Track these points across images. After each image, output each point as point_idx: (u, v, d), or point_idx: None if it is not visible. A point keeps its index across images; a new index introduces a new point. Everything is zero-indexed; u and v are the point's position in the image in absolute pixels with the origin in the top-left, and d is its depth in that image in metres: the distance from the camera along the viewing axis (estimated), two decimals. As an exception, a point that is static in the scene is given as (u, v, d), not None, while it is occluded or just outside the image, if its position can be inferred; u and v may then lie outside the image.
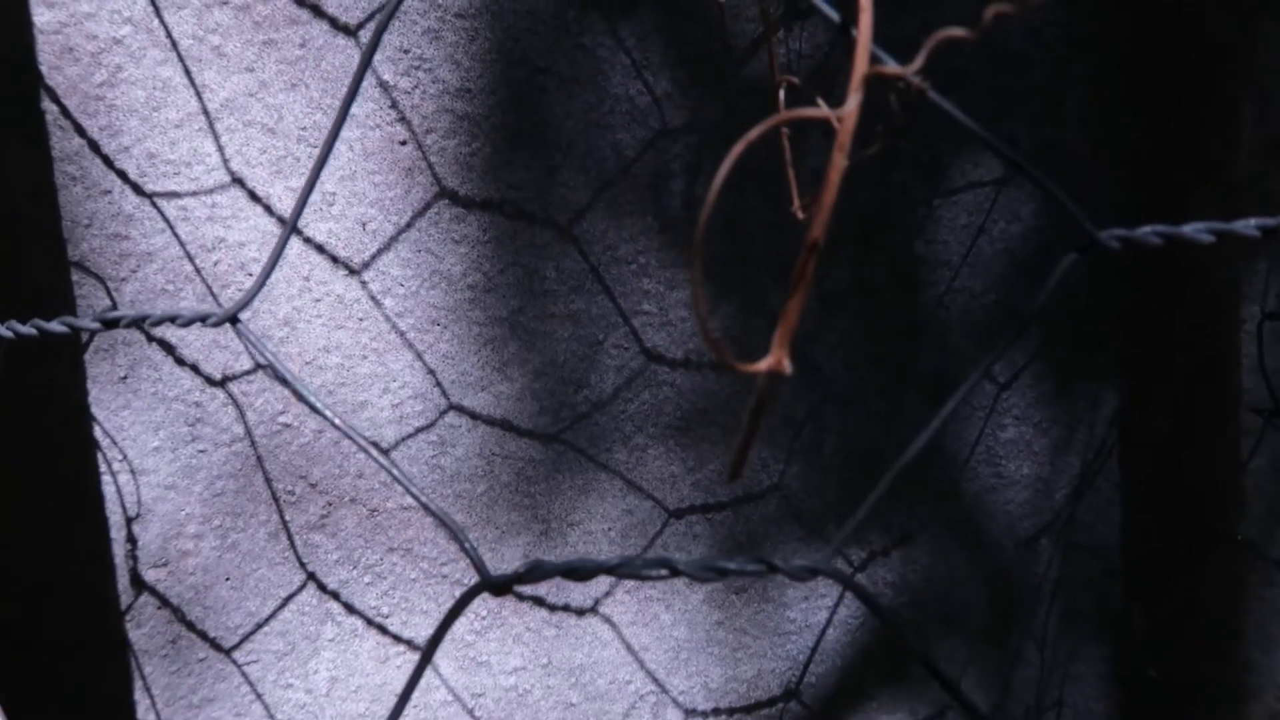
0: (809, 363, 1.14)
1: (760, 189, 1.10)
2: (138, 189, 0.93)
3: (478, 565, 0.36)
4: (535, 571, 0.35)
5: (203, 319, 0.37)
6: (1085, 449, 1.26)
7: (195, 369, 0.96)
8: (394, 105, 0.98)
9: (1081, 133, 1.22)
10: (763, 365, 0.33)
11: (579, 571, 0.35)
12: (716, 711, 1.17)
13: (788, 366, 0.33)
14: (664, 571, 0.35)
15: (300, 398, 0.38)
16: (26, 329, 0.41)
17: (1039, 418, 1.24)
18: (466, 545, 0.36)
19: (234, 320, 0.37)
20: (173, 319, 0.37)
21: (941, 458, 1.19)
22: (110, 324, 0.38)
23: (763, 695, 1.18)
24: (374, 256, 0.99)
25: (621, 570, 0.35)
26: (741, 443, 0.37)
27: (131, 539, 0.98)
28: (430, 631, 1.06)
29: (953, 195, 1.16)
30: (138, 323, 0.38)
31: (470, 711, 1.08)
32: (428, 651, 0.36)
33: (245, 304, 0.37)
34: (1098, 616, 1.29)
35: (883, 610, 0.35)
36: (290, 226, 0.36)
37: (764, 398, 0.34)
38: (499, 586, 0.35)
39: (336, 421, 0.36)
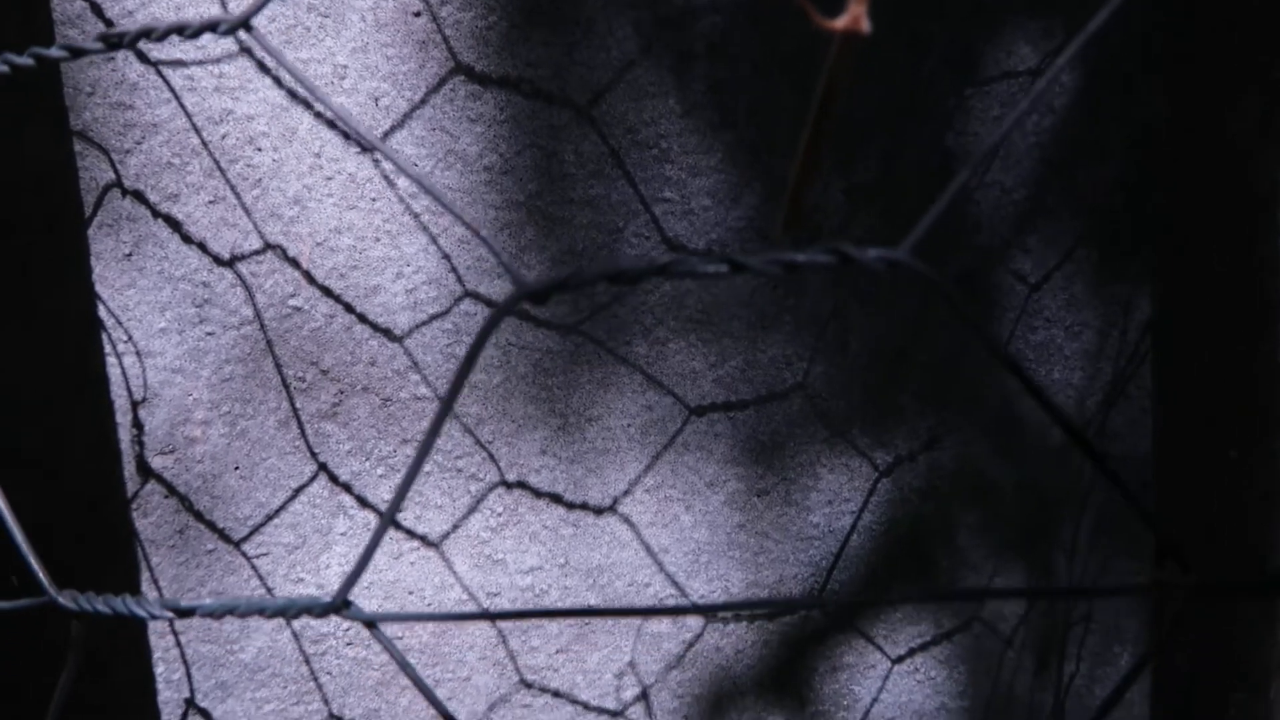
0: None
1: (787, 78, 1.06)
2: (142, 56, 0.90)
3: (513, 274, 0.32)
4: (576, 277, 0.32)
5: (212, 26, 0.34)
6: (1117, 355, 1.23)
7: (203, 247, 0.93)
8: (407, -26, 0.95)
9: (1119, 29, 1.18)
10: (839, 22, 0.29)
11: (625, 275, 0.32)
12: (737, 617, 1.14)
13: (866, 25, 0.29)
14: (724, 268, 0.31)
15: (322, 100, 0.34)
16: (24, 59, 0.37)
17: (1070, 321, 1.20)
18: (501, 257, 0.33)
19: (247, 26, 0.34)
20: (180, 30, 0.34)
21: (969, 359, 1.16)
22: (113, 44, 0.35)
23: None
24: (387, 134, 0.96)
25: (674, 269, 0.31)
26: (807, 149, 0.34)
27: (138, 424, 0.95)
28: (445, 529, 1.04)
29: (985, 86, 1.12)
30: (144, 35, 0.34)
31: (486, 611, 1.06)
32: (456, 383, 0.33)
33: (258, 9, 0.34)
34: (1129, 528, 1.26)
35: (954, 298, 0.31)
36: (388, 518, 0.32)
37: (837, 74, 0.30)
38: (538, 294, 0.32)
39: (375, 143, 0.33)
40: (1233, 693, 1.09)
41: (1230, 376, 1.18)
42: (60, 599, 0.41)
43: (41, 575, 0.42)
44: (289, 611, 0.38)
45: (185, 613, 0.39)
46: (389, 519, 0.34)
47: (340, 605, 0.37)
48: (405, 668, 0.37)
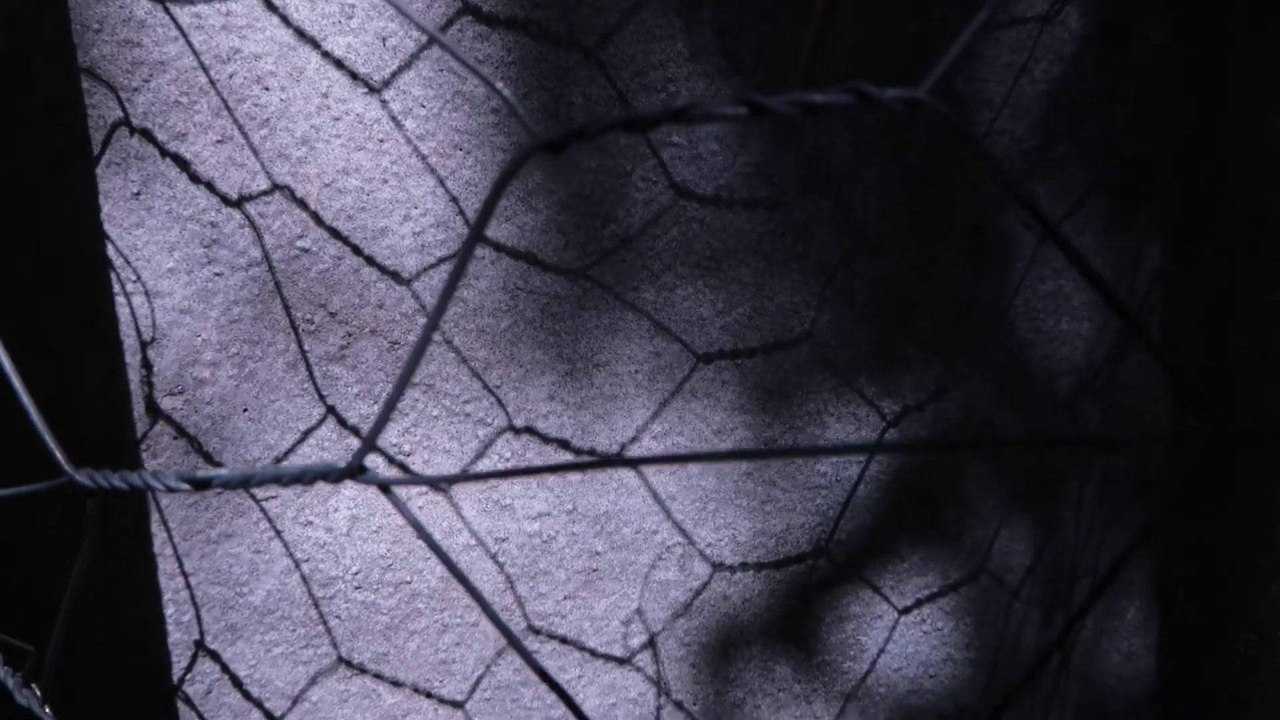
0: (843, 205, 1.10)
1: (795, 23, 1.05)
2: (150, -7, 0.90)
3: (528, 126, 0.32)
4: (591, 127, 0.32)
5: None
6: (1128, 305, 1.22)
7: (210, 187, 0.93)
8: (415, -87, 0.94)
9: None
10: None
11: (640, 122, 0.32)
12: (744, 566, 1.14)
13: None
14: (743, 110, 0.31)
15: None
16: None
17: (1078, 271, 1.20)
18: (518, 111, 0.33)
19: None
20: None
21: (977, 308, 1.15)
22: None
23: (791, 551, 1.16)
24: (395, 74, 0.96)
25: (690, 114, 0.31)
26: (823, 11, 0.34)
27: (146, 364, 0.95)
28: (453, 470, 1.04)
29: (995, 31, 1.11)
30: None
31: (493, 556, 1.06)
32: (478, 227, 0.33)
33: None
34: (1136, 482, 1.26)
35: (973, 139, 0.31)
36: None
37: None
38: (554, 145, 0.32)
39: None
40: (1239, 635, 1.09)
41: (1241, 328, 1.18)
42: (78, 477, 0.41)
43: (59, 454, 0.42)
44: (306, 478, 0.38)
45: (201, 484, 0.39)
46: (408, 374, 0.34)
47: (355, 470, 0.37)
48: (420, 531, 0.37)
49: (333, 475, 0.38)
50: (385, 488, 0.38)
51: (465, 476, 0.38)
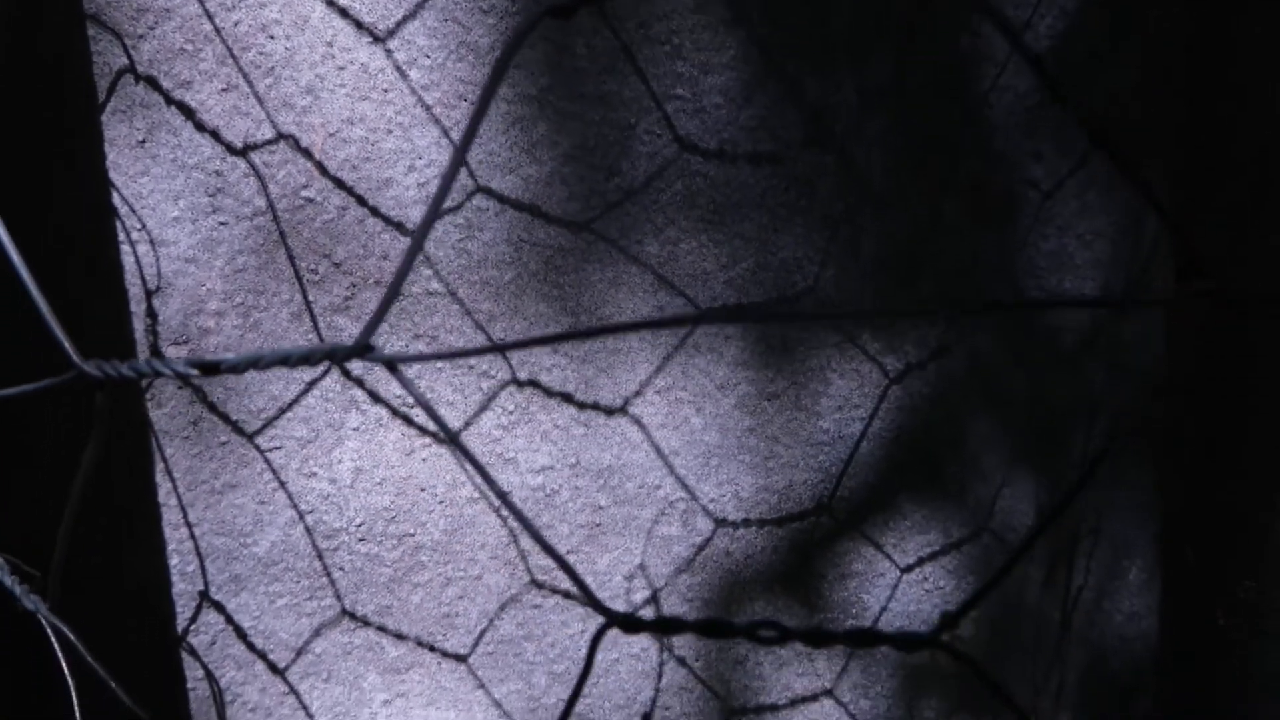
0: (847, 160, 1.10)
1: (799, -28, 1.05)
2: (154, -61, 0.90)
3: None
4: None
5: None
6: (1130, 266, 1.22)
7: (216, 135, 0.93)
8: None
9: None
10: None
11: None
12: (747, 522, 1.14)
13: None
14: None
15: None
16: None
17: (1082, 229, 1.20)
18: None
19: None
20: None
21: (980, 265, 1.15)
22: None
23: (794, 508, 1.16)
24: (399, 24, 0.96)
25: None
26: None
27: (151, 313, 0.95)
28: (457, 426, 1.04)
29: (999, -13, 1.11)
30: None
31: (496, 510, 1.06)
32: (484, 98, 0.33)
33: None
34: (1139, 442, 1.26)
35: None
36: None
37: None
38: (563, 10, 0.32)
39: None
40: (1240, 582, 1.09)
41: (1245, 280, 1.18)
42: (86, 367, 0.41)
43: (68, 346, 0.42)
44: (313, 359, 0.38)
45: (210, 368, 0.39)
46: (418, 243, 0.34)
47: (363, 349, 0.37)
48: (427, 408, 0.37)
49: (339, 354, 0.38)
50: (392, 365, 0.38)
51: (479, 350, 0.38)
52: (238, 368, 0.39)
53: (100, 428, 0.41)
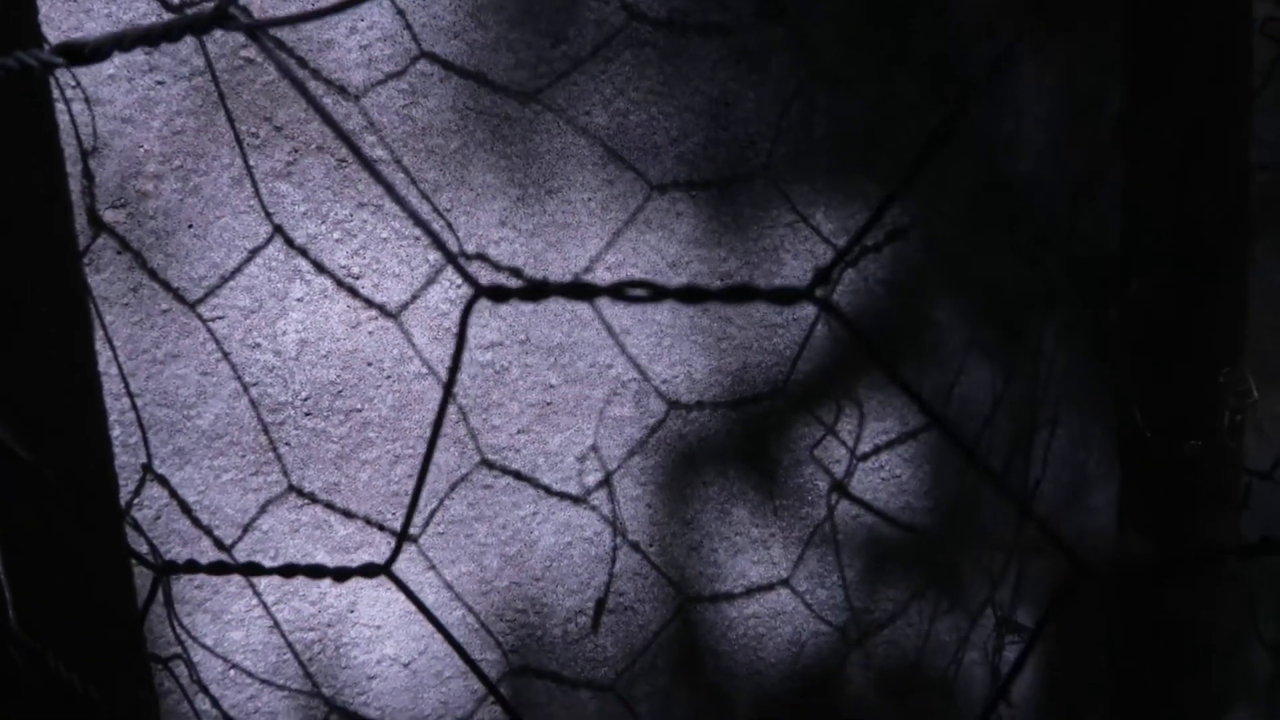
0: (800, 36, 1.09)
1: None
2: None
3: None
4: None
5: None
6: (1087, 151, 1.21)
7: (150, -10, 0.91)
8: None
9: None
10: None
11: None
12: (700, 404, 1.14)
13: None
14: None
15: None
16: None
17: (1039, 111, 1.19)
18: None
19: None
20: None
21: (935, 145, 1.15)
22: None
23: (748, 391, 1.15)
24: (338, -121, 0.94)
25: None
26: None
27: (88, 175, 0.94)
28: (404, 299, 1.03)
29: None
30: None
31: (446, 386, 1.05)
32: None
33: None
34: (1095, 334, 1.25)
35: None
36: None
37: None
38: None
39: None
40: (1186, 442, 1.09)
41: (1200, 175, 1.17)
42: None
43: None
44: (173, 31, 0.37)
45: (74, 52, 0.38)
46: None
47: (222, 16, 0.36)
48: (301, 90, 0.36)
49: (200, 24, 0.37)
50: (253, 33, 0.37)
51: (353, 2, 0.37)
52: (101, 50, 0.38)
53: None
